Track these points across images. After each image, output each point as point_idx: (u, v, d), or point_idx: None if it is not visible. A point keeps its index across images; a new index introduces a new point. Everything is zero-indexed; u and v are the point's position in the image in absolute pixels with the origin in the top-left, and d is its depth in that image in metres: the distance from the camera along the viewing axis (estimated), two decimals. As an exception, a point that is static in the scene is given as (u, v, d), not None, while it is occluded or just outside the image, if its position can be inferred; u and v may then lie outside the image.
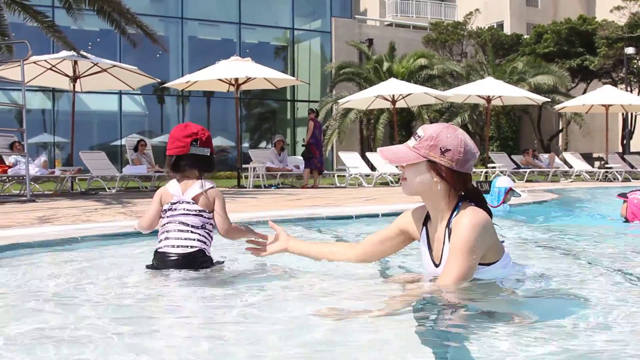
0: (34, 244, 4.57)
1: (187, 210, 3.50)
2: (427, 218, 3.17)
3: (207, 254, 3.55)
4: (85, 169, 16.01)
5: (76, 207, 8.95)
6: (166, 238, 3.50)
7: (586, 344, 2.26)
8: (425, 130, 3.03)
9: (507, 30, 40.08)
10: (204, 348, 2.28)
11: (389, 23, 40.85)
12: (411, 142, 3.05)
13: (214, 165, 3.61)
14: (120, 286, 3.31)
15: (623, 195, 6.75)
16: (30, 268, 3.87)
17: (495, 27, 38.93)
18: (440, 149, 2.96)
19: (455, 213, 2.99)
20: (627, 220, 6.55)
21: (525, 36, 37.60)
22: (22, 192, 13.81)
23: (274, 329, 2.51)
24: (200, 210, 3.52)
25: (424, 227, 3.17)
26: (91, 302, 2.95)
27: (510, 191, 7.95)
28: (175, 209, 3.49)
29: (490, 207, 3.10)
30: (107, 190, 15.53)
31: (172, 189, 3.56)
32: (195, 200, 3.52)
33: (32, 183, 13.32)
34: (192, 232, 3.49)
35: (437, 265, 3.08)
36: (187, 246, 3.46)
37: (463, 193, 3.05)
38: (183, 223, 3.48)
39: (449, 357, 2.21)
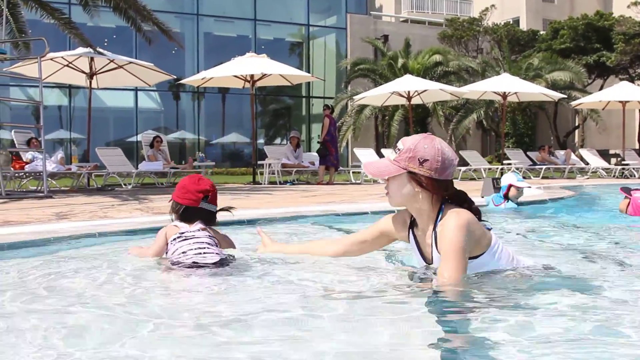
0: (52, 240, 4.60)
1: (201, 236, 3.71)
2: (413, 223, 3.29)
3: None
4: (102, 165, 16.08)
5: (93, 204, 9.01)
6: (192, 250, 3.65)
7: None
8: (404, 143, 3.14)
9: (523, 26, 39.88)
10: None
11: (405, 19, 40.78)
12: (392, 155, 3.16)
13: (216, 220, 3.86)
14: (142, 281, 3.34)
15: (626, 191, 6.71)
16: (48, 264, 3.90)
17: (511, 22, 38.74)
18: (419, 160, 3.07)
19: (440, 217, 3.10)
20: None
21: (541, 32, 37.43)
22: (39, 188, 13.90)
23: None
24: (209, 236, 3.76)
25: (411, 231, 3.30)
26: (119, 298, 2.97)
27: (511, 188, 7.89)
28: (189, 237, 3.69)
29: (476, 207, 3.20)
30: (123, 186, 15.61)
31: (178, 225, 3.79)
32: (202, 230, 3.77)
33: (49, 179, 13.40)
34: (210, 246, 3.69)
35: (430, 262, 3.23)
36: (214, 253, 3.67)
37: (447, 197, 3.15)
38: (200, 243, 3.68)
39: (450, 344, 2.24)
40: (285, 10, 36.35)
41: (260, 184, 17.32)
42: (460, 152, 23.29)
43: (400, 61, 32.69)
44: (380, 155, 20.80)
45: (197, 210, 3.76)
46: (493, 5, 38.63)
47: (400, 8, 41.99)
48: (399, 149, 3.14)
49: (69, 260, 3.99)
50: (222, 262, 3.60)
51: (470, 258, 3.07)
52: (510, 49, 34.53)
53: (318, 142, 18.21)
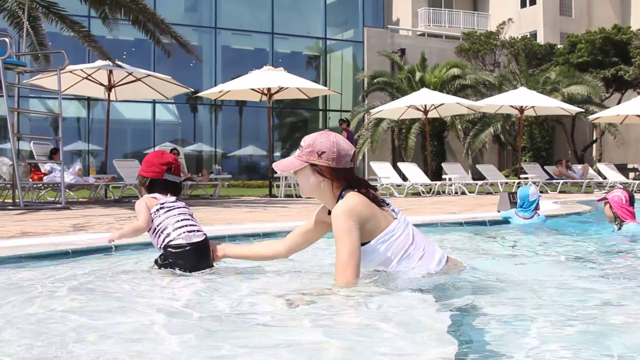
0: (70, 251, 4.63)
1: (180, 206, 4.01)
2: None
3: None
4: (119, 176, 16.18)
5: (110, 215, 9.07)
6: (184, 227, 3.92)
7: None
8: (305, 140, 3.57)
9: (541, 39, 39.80)
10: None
11: (421, 33, 40.81)
12: (296, 152, 3.59)
13: (181, 191, 4.13)
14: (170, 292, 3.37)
15: (603, 199, 6.74)
16: (63, 274, 3.93)
17: (528, 36, 38.69)
18: (317, 153, 3.49)
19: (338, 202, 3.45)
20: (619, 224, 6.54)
21: (558, 46, 37.31)
22: (57, 199, 14.00)
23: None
24: (186, 206, 4.06)
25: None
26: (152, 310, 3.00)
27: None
28: (170, 207, 3.97)
29: (374, 193, 3.55)
30: (140, 198, 15.66)
31: (156, 196, 4.04)
32: (178, 200, 4.06)
33: (67, 190, 13.49)
34: (192, 218, 4.03)
35: None
36: (201, 231, 4.01)
37: (349, 185, 3.50)
38: (183, 213, 3.98)
39: None
40: (303, 24, 36.50)
41: (277, 196, 17.35)
42: (477, 166, 23.24)
43: (418, 75, 32.69)
44: (398, 170, 20.82)
45: (162, 182, 4.01)
46: (510, 19, 38.59)
47: (418, 22, 42.03)
48: (301, 146, 3.56)
49: (88, 272, 4.02)
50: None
51: (363, 243, 3.36)
52: (527, 62, 34.43)
53: None
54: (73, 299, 3.20)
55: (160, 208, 3.94)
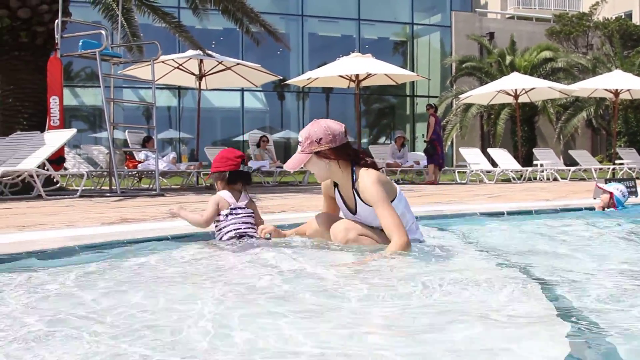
0: (170, 237, 4.74)
1: (247, 213, 4.56)
2: (337, 184, 4.25)
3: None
4: (209, 163, 16.44)
5: (204, 202, 9.21)
6: (239, 229, 4.50)
7: None
8: (301, 136, 4.12)
9: (636, 20, 38.43)
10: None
11: (510, 16, 40.00)
12: (299, 148, 4.14)
13: (251, 180, 4.78)
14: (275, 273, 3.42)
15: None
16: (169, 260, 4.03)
17: (623, 17, 37.40)
18: (316, 141, 4.06)
19: (355, 178, 4.08)
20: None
21: (656, 26, 36.01)
22: (151, 186, 14.37)
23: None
24: (251, 213, 4.62)
25: (336, 190, 4.27)
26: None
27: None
28: (237, 214, 4.51)
29: (374, 162, 4.22)
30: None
31: (228, 198, 4.54)
32: (247, 206, 4.61)
33: (160, 178, 13.81)
34: (252, 225, 4.58)
35: (354, 213, 4.19)
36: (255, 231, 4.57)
37: (353, 160, 4.11)
38: (245, 222, 4.54)
39: None
40: (389, 10, 36.25)
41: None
42: (570, 151, 22.72)
43: (508, 58, 32.09)
44: (487, 156, 20.52)
45: (239, 173, 4.56)
46: (604, -1, 37.42)
47: (507, 4, 41.21)
48: (300, 142, 4.11)
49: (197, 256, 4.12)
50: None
51: None
52: (622, 44, 33.30)
53: (425, 142, 18.07)
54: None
55: (230, 214, 4.49)
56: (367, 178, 3.97)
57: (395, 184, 4.25)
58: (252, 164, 16.94)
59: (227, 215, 4.48)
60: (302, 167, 4.21)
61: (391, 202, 3.99)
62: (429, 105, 18.26)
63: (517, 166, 19.84)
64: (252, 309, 2.72)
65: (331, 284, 3.24)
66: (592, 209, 7.60)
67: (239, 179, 4.58)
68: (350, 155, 4.10)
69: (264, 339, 2.27)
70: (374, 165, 4.13)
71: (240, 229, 4.48)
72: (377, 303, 2.84)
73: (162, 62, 16.30)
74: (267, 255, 3.92)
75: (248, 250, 4.16)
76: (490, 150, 20.94)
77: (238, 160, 4.55)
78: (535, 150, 21.99)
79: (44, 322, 2.49)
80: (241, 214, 4.51)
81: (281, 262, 3.75)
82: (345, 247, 4.11)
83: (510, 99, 22.09)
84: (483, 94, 22.32)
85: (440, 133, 18.21)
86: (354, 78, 18.32)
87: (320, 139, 4.04)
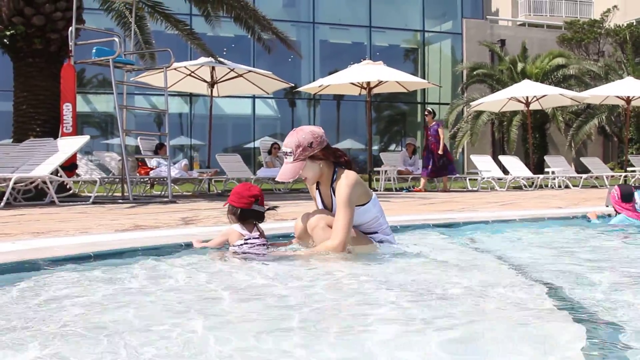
0: (183, 244, 4.78)
1: (261, 242, 4.62)
2: (319, 183, 4.49)
3: None
4: (221, 170, 16.49)
5: (215, 209, 9.25)
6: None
7: None
8: (288, 147, 4.29)
9: (648, 27, 38.33)
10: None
11: (522, 23, 39.96)
12: (289, 159, 4.30)
13: (264, 219, 4.69)
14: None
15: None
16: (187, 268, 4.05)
17: (634, 24, 37.27)
18: (308, 146, 4.26)
19: (334, 177, 4.32)
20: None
21: (667, 33, 35.88)
22: (163, 193, 14.41)
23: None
24: (265, 242, 4.67)
25: (317, 190, 4.52)
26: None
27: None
28: (252, 243, 4.57)
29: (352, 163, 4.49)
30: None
31: (240, 230, 4.60)
32: (260, 236, 4.66)
33: (172, 184, 13.85)
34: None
35: (330, 210, 4.43)
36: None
37: (335, 162, 4.35)
38: (258, 253, 4.56)
39: None
40: (400, 17, 36.29)
41: (376, 190, 17.34)
42: (581, 158, 22.68)
43: (519, 65, 32.06)
44: (498, 163, 20.47)
45: (250, 212, 4.58)
46: (615, 6, 37.27)
47: (518, 11, 41.18)
48: (290, 153, 4.27)
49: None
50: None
51: (359, 205, 4.28)
52: (634, 51, 33.23)
53: (439, 154, 17.34)
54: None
55: (244, 243, 4.56)
56: (344, 179, 4.24)
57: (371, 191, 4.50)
58: (264, 172, 17.00)
59: (241, 245, 4.58)
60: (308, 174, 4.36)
61: (364, 205, 4.32)
62: (428, 111, 17.57)
63: (528, 173, 19.80)
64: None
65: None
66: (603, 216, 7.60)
67: (250, 217, 4.62)
68: (334, 153, 4.36)
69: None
70: (350, 165, 4.41)
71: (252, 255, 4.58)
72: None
73: (175, 69, 16.36)
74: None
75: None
76: (501, 158, 20.91)
77: (251, 200, 4.58)
78: (546, 158, 21.95)
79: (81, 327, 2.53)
80: (256, 243, 4.60)
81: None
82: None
83: (521, 106, 22.07)
84: (494, 101, 22.30)
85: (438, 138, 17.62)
86: (365, 85, 18.34)
87: (311, 143, 4.26)
